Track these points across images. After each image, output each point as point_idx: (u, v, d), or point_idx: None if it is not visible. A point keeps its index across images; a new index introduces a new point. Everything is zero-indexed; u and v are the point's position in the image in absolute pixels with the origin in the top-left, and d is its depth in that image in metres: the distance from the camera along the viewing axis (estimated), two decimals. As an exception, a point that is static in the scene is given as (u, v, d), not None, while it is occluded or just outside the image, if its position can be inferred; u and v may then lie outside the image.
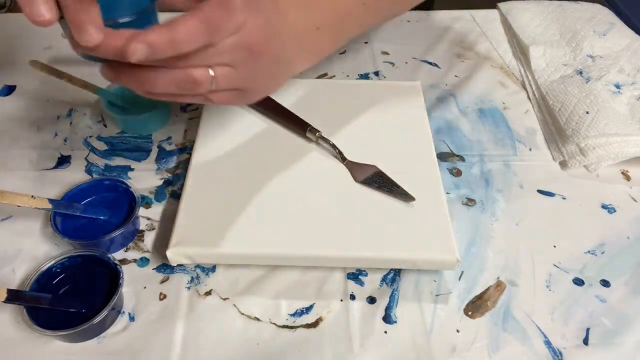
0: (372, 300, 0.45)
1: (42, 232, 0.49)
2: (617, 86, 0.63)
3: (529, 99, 0.66)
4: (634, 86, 0.63)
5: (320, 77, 0.68)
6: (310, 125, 0.54)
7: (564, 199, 0.54)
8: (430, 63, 0.71)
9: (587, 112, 0.58)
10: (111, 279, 0.43)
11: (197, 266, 0.47)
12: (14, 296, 0.40)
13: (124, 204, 0.49)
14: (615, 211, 0.53)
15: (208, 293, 0.45)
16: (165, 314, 0.43)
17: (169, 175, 0.55)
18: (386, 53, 0.72)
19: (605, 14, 0.76)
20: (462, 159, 0.58)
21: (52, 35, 0.70)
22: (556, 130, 0.60)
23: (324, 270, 0.47)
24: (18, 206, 0.43)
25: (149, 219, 0.51)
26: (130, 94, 0.60)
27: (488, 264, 0.48)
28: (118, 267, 0.43)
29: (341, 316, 0.44)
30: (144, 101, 0.59)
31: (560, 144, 0.58)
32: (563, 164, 0.57)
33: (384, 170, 0.51)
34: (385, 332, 0.43)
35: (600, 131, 0.56)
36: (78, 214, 0.47)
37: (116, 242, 0.47)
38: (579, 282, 0.47)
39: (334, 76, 0.68)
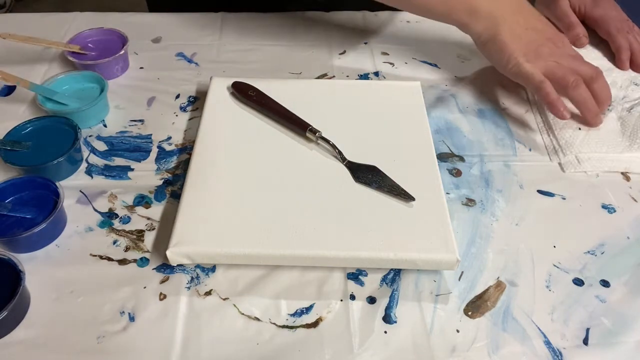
0: (372, 300, 0.45)
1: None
2: None
3: (528, 99, 0.66)
4: (625, 100, 0.64)
5: (320, 77, 0.68)
6: (310, 125, 0.54)
7: (564, 199, 0.54)
8: (430, 63, 0.71)
9: (580, 129, 0.59)
10: (14, 282, 0.42)
11: (197, 266, 0.47)
12: None
13: (50, 202, 0.49)
14: (615, 211, 0.53)
15: (208, 293, 0.45)
16: (165, 314, 0.43)
17: (169, 175, 0.55)
18: (386, 53, 0.72)
19: None
20: (462, 159, 0.58)
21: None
22: (553, 135, 0.60)
23: (324, 270, 0.47)
24: None
25: (149, 218, 0.51)
26: (67, 90, 0.61)
27: (488, 264, 0.48)
28: (21, 273, 0.42)
29: (341, 316, 0.44)
30: (79, 97, 0.60)
31: (557, 148, 0.59)
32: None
33: (384, 170, 0.51)
34: (385, 332, 0.43)
35: (592, 149, 0.57)
36: (5, 213, 0.47)
37: (33, 240, 0.47)
38: (578, 282, 0.47)
39: (334, 76, 0.68)
